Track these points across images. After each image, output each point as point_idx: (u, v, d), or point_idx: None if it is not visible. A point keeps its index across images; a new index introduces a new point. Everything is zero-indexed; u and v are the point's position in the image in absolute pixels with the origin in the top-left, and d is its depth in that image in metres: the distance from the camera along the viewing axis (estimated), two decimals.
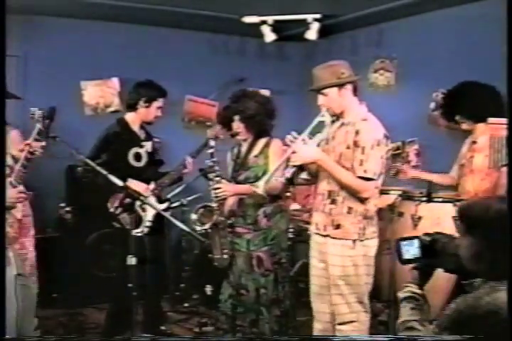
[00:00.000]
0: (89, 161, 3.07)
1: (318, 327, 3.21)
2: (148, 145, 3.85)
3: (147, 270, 3.62)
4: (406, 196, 3.70)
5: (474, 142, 3.76)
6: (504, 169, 3.41)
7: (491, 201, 1.87)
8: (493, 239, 1.77)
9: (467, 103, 3.72)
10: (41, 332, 3.34)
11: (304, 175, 3.92)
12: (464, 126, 3.81)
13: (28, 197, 3.12)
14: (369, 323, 3.10)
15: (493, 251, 1.76)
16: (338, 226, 2.99)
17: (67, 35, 4.92)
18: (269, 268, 3.42)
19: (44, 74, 4.59)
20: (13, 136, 3.19)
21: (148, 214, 3.60)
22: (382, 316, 3.92)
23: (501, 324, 1.64)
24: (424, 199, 3.52)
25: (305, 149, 2.92)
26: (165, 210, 3.65)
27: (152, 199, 3.67)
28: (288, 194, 4.21)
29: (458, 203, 3.52)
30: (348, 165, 2.95)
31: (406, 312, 1.97)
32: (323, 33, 5.06)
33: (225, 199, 3.45)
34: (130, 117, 3.81)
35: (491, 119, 3.52)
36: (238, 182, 3.53)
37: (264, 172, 3.40)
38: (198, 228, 3.44)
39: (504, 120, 3.32)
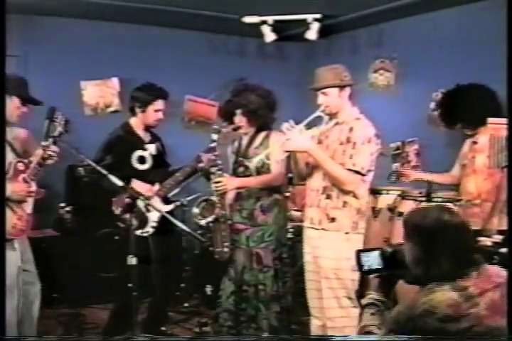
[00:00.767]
0: (91, 162, 3.08)
1: (316, 323, 3.24)
2: (152, 148, 3.83)
3: (154, 270, 3.63)
4: (405, 196, 3.70)
5: (475, 142, 3.76)
6: (505, 170, 3.40)
7: (430, 209, 1.99)
8: (430, 245, 1.87)
9: (465, 111, 3.73)
10: (41, 332, 3.35)
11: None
12: (468, 132, 3.82)
13: (40, 193, 3.17)
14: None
15: (429, 257, 1.87)
16: (333, 220, 3.10)
17: (67, 35, 4.92)
18: (269, 265, 3.42)
19: (44, 74, 4.58)
20: (22, 133, 3.20)
21: (153, 215, 3.61)
22: None
23: (437, 323, 1.75)
24: (424, 199, 3.52)
25: (299, 138, 3.02)
26: (170, 211, 3.63)
27: (157, 201, 3.66)
28: (287, 194, 4.22)
29: (458, 203, 3.53)
30: (340, 160, 3.06)
31: (366, 318, 2.07)
32: (323, 33, 5.06)
33: (225, 193, 3.45)
34: (133, 121, 3.81)
35: (490, 119, 3.52)
36: (238, 175, 3.53)
37: (263, 163, 3.42)
38: (202, 221, 3.44)
39: (504, 120, 3.32)
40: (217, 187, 3.42)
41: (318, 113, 3.13)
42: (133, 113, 3.79)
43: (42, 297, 3.31)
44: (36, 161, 3.07)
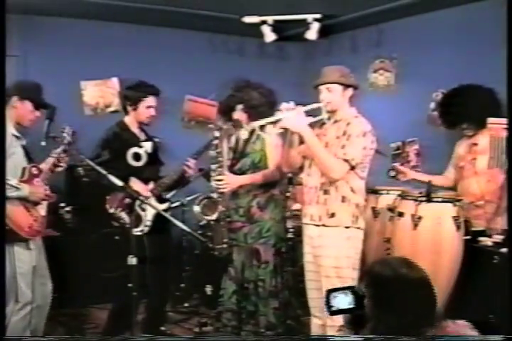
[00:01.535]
0: (90, 162, 3.09)
1: (317, 323, 3.25)
2: (147, 146, 3.85)
3: (149, 270, 3.63)
4: (406, 196, 3.69)
5: (475, 144, 3.76)
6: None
7: (391, 262, 2.00)
8: (383, 298, 1.90)
9: (466, 111, 3.72)
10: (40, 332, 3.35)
11: (303, 175, 3.92)
12: (468, 133, 3.82)
13: (52, 198, 3.24)
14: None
15: (379, 310, 1.89)
16: (332, 215, 3.15)
17: (67, 35, 4.92)
18: (268, 260, 3.42)
19: (44, 74, 4.58)
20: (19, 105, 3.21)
21: (148, 214, 3.61)
22: None
23: None
24: (424, 199, 3.52)
25: (296, 118, 3.06)
26: (165, 210, 3.65)
27: (152, 199, 3.67)
28: (288, 194, 4.22)
29: (458, 203, 3.53)
30: (334, 151, 3.11)
31: None
32: (323, 33, 5.07)
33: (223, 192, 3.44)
34: (127, 119, 3.83)
35: (490, 119, 3.52)
36: (235, 171, 3.53)
37: (261, 158, 3.42)
38: (204, 219, 3.44)
39: (504, 120, 3.31)
40: (218, 184, 3.41)
41: (319, 104, 3.18)
42: (126, 111, 3.81)
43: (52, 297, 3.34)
44: (48, 168, 3.17)
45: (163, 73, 4.88)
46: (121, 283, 3.17)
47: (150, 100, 3.76)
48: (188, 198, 4.66)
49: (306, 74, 5.31)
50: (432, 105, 4.65)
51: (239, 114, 3.49)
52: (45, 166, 3.18)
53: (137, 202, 3.58)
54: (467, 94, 3.81)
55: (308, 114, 3.13)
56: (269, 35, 5.17)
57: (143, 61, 5.05)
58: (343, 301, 2.03)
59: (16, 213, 2.98)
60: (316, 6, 4.79)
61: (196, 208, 3.50)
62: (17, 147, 3.10)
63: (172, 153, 4.15)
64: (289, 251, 3.55)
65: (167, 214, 3.28)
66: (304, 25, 5.03)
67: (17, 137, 3.13)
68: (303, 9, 4.86)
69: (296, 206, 4.47)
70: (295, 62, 5.78)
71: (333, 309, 2.04)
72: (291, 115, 3.06)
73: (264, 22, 5.08)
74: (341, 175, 3.10)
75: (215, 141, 3.44)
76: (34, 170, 3.12)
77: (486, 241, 3.41)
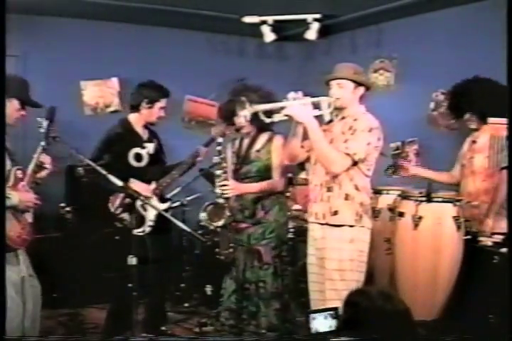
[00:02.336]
0: (90, 162, 3.07)
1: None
2: (150, 147, 3.84)
3: (151, 270, 3.63)
4: (406, 196, 3.69)
5: (474, 142, 3.75)
6: (504, 172, 3.39)
7: (373, 294, 1.94)
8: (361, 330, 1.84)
9: (476, 100, 3.68)
10: (41, 332, 3.34)
11: (303, 175, 3.93)
12: (472, 126, 3.79)
13: (39, 204, 3.10)
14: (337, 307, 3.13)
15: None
16: (336, 213, 3.10)
17: (67, 35, 4.92)
18: (269, 262, 3.42)
19: (44, 74, 4.58)
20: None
21: (150, 214, 3.61)
22: None
23: None
24: (424, 199, 3.52)
25: (301, 108, 3.02)
26: (166, 210, 3.65)
27: (154, 199, 3.67)
28: (288, 194, 4.22)
29: (458, 203, 3.53)
30: (337, 146, 3.07)
31: None
32: (322, 33, 5.07)
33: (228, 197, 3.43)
34: (133, 118, 3.80)
35: (491, 119, 3.51)
36: (239, 176, 3.52)
37: (266, 167, 3.40)
38: (212, 226, 3.42)
39: (504, 120, 3.30)
40: (222, 190, 3.40)
41: (326, 98, 3.12)
42: (136, 109, 3.79)
43: (42, 297, 3.31)
44: (31, 168, 3.02)
45: (163, 73, 4.87)
46: (121, 283, 3.17)
47: (165, 101, 3.80)
48: (188, 198, 4.66)
49: (305, 74, 5.32)
50: (432, 105, 4.65)
51: (241, 119, 3.45)
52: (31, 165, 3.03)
53: (139, 203, 3.57)
54: (477, 84, 3.76)
55: (316, 107, 3.08)
56: (269, 35, 5.17)
57: (143, 61, 5.06)
58: (323, 324, 1.99)
59: (7, 223, 2.85)
60: (316, 6, 4.80)
61: (203, 215, 3.46)
62: None
63: (172, 153, 4.14)
64: (290, 252, 3.52)
65: (167, 214, 3.28)
66: (304, 25, 5.03)
67: None
68: (303, 9, 4.86)
69: (297, 206, 4.48)
70: (295, 62, 5.78)
71: (312, 331, 1.99)
72: (296, 104, 3.02)
73: (263, 22, 5.09)
74: (342, 169, 3.05)
75: (218, 147, 3.43)
76: (19, 174, 2.98)
77: (486, 241, 3.41)
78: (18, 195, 2.94)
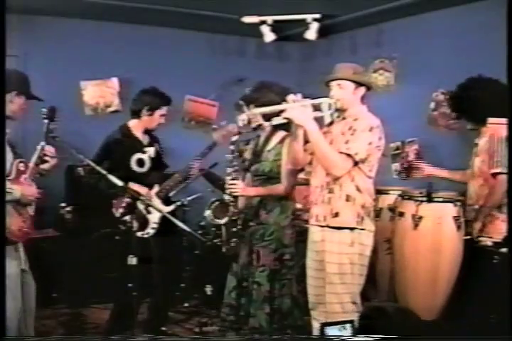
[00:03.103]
0: (90, 162, 3.08)
1: (317, 326, 3.19)
2: (151, 151, 3.84)
3: (155, 271, 3.63)
4: (406, 196, 3.70)
5: (476, 144, 3.74)
6: (500, 176, 3.36)
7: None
8: None
9: (478, 99, 3.63)
10: (41, 332, 3.35)
11: (302, 175, 3.91)
12: (470, 126, 3.78)
13: (43, 197, 3.12)
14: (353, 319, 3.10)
15: None
16: (336, 214, 3.05)
17: (67, 35, 4.92)
18: (265, 264, 3.40)
19: (44, 74, 4.58)
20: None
21: (154, 217, 3.62)
22: None
23: None
24: (425, 199, 3.52)
25: (300, 110, 2.99)
26: (171, 212, 3.63)
27: (157, 202, 3.67)
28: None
29: (458, 203, 3.53)
30: (338, 147, 3.03)
31: None
32: (322, 33, 5.06)
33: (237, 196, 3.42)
34: (133, 123, 3.81)
35: (491, 119, 3.50)
36: (251, 172, 3.50)
37: (272, 169, 3.39)
38: (219, 220, 3.39)
39: (503, 120, 3.28)
40: (231, 188, 3.39)
41: (326, 99, 3.09)
42: (137, 115, 3.78)
43: (42, 297, 3.31)
44: (34, 161, 3.01)
45: (163, 73, 4.89)
46: (121, 283, 3.17)
47: (165, 109, 3.80)
48: (189, 198, 4.66)
49: (305, 74, 5.32)
50: (432, 105, 4.65)
51: (239, 123, 3.41)
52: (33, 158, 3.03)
53: (142, 206, 3.58)
54: (481, 84, 3.72)
55: (316, 109, 3.05)
56: (269, 35, 5.17)
57: (143, 61, 5.05)
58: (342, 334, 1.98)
59: (8, 217, 2.87)
60: (316, 6, 4.79)
61: (208, 212, 3.44)
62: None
63: (172, 153, 4.14)
64: (294, 256, 3.45)
65: (168, 215, 3.28)
66: (304, 25, 5.02)
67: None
68: (302, 9, 4.86)
69: (297, 206, 4.47)
70: (294, 62, 5.78)
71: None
72: (296, 107, 2.99)
73: (263, 22, 5.08)
74: (343, 171, 3.01)
75: (232, 147, 3.42)
76: (21, 167, 2.99)
77: (486, 241, 3.41)
78: (21, 189, 2.95)
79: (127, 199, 3.55)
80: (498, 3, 3.23)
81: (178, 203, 4.52)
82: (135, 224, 3.48)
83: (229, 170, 3.39)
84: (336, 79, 3.12)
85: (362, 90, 3.13)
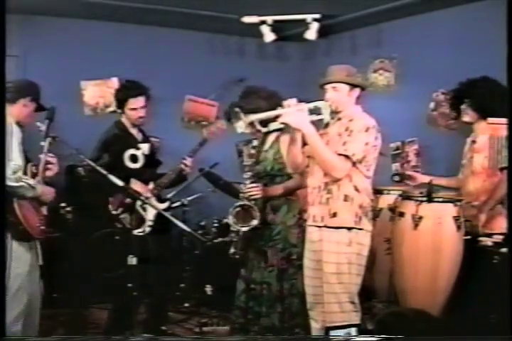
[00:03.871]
0: (90, 162, 3.09)
1: (315, 327, 3.21)
2: (145, 147, 3.85)
3: (151, 270, 3.63)
4: (406, 196, 3.69)
5: (474, 142, 3.75)
6: (504, 172, 3.38)
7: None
8: None
9: (480, 94, 3.65)
10: (41, 332, 3.34)
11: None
12: (466, 118, 3.77)
13: (55, 198, 3.22)
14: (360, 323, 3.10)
15: None
16: (334, 215, 3.06)
17: (67, 35, 4.92)
18: (273, 264, 3.40)
19: (44, 74, 4.58)
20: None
21: (150, 214, 3.61)
22: None
23: None
24: (425, 199, 3.52)
25: (297, 114, 3.01)
26: (165, 210, 3.66)
27: (152, 199, 3.68)
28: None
29: (458, 203, 3.53)
30: (335, 148, 3.04)
31: None
32: (322, 33, 5.06)
33: (256, 199, 3.39)
34: (124, 120, 3.83)
35: (490, 119, 3.51)
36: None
37: (273, 166, 3.39)
38: (243, 228, 3.36)
39: (503, 119, 3.29)
40: (250, 192, 3.37)
41: (321, 102, 3.10)
42: (122, 111, 3.81)
43: (42, 297, 3.32)
44: (41, 167, 3.10)
45: (163, 73, 4.89)
46: (121, 283, 3.17)
47: (133, 102, 3.71)
48: (189, 198, 4.67)
49: (305, 74, 5.32)
50: (432, 105, 4.66)
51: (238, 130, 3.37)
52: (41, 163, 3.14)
53: (138, 203, 3.58)
54: (480, 83, 3.73)
55: (312, 112, 3.07)
56: (269, 35, 5.17)
57: (143, 61, 5.05)
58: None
59: (28, 213, 2.98)
60: (316, 6, 4.79)
61: (231, 219, 3.41)
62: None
63: (172, 153, 4.15)
64: (300, 256, 3.43)
65: (167, 214, 3.28)
66: (304, 25, 5.02)
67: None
68: (302, 9, 4.86)
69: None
70: (295, 62, 5.78)
71: None
72: (292, 111, 3.01)
73: (263, 22, 5.08)
74: (344, 173, 3.02)
75: (252, 151, 3.42)
76: (34, 169, 3.09)
77: (486, 241, 3.41)
78: (41, 187, 3.04)
79: (128, 199, 3.57)
80: (497, 3, 3.23)
81: (178, 203, 4.53)
82: (131, 222, 3.50)
83: (247, 174, 3.40)
84: (330, 82, 3.14)
85: (356, 91, 3.16)
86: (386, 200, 3.91)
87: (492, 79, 3.70)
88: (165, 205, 3.77)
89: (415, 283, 3.51)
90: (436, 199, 3.52)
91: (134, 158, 3.78)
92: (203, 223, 4.93)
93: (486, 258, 3.30)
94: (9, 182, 2.85)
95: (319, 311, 3.14)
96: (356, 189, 3.06)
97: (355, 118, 3.10)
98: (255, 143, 3.59)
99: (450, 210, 3.49)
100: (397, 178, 3.94)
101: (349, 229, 3.04)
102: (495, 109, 3.46)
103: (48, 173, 3.15)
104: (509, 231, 2.95)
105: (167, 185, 3.84)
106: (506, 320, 2.66)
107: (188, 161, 3.76)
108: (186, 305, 4.67)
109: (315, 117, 3.10)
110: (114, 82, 5.17)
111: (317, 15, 4.93)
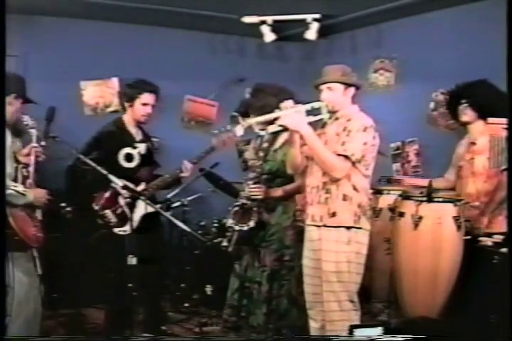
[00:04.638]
0: (90, 162, 3.08)
1: (314, 326, 3.22)
2: (142, 147, 3.82)
3: (144, 269, 3.62)
4: (406, 196, 3.70)
5: (473, 143, 3.74)
6: (505, 174, 3.38)
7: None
8: None
9: (479, 94, 3.67)
10: (41, 332, 3.34)
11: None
12: (464, 118, 3.77)
13: (51, 200, 3.15)
14: (360, 322, 3.11)
15: None
16: (333, 214, 3.07)
17: (67, 35, 4.92)
18: (266, 264, 3.40)
19: (44, 74, 4.59)
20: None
21: (136, 214, 3.59)
22: (382, 316, 3.92)
23: None
24: (425, 199, 3.52)
25: (295, 116, 3.03)
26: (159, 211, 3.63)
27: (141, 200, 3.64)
28: None
29: (458, 203, 3.53)
30: (334, 148, 3.05)
31: None
32: (322, 33, 5.07)
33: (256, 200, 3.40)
34: (126, 117, 3.81)
35: (490, 119, 3.50)
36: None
37: (279, 168, 3.39)
38: (243, 228, 3.36)
39: (503, 120, 3.29)
40: (252, 191, 3.37)
41: (318, 103, 3.11)
42: (124, 109, 3.80)
43: (42, 297, 3.32)
44: (33, 167, 3.04)
45: (163, 73, 4.88)
46: (121, 283, 3.17)
47: (146, 97, 3.72)
48: (189, 198, 4.67)
49: (305, 74, 5.31)
50: (432, 105, 4.66)
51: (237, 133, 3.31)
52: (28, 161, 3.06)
53: (123, 201, 3.55)
54: (478, 83, 3.75)
55: (309, 113, 3.08)
56: (269, 35, 5.18)
57: (143, 61, 5.05)
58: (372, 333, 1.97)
59: (22, 222, 2.90)
60: (316, 6, 4.79)
61: (230, 220, 3.41)
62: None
63: (171, 153, 4.15)
64: (293, 257, 3.44)
65: (167, 214, 3.27)
66: (304, 25, 5.03)
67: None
68: (302, 9, 4.86)
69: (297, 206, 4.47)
70: (295, 62, 5.77)
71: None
72: (289, 113, 3.02)
73: (263, 22, 5.08)
74: (343, 173, 3.03)
75: (261, 153, 3.42)
76: (25, 172, 3.03)
77: (486, 241, 3.41)
78: (32, 192, 2.95)
79: (128, 199, 3.55)
80: (497, 3, 3.23)
81: (178, 203, 4.53)
82: (114, 220, 3.48)
83: (251, 175, 3.40)
84: (326, 83, 3.15)
85: (352, 91, 3.17)
86: (386, 200, 3.92)
87: (489, 82, 3.72)
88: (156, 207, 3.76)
89: (415, 283, 3.51)
90: (436, 200, 3.52)
91: (129, 157, 3.76)
92: (203, 223, 4.92)
93: (486, 258, 3.30)
94: None
95: (318, 310, 3.15)
96: (355, 188, 3.07)
97: (353, 118, 3.11)
98: (265, 144, 3.54)
99: (450, 210, 3.49)
100: (383, 183, 3.97)
101: (348, 228, 3.06)
102: (494, 108, 3.46)
103: (39, 160, 3.07)
104: (509, 231, 2.95)
105: (161, 188, 3.82)
106: (506, 320, 2.66)
107: (189, 167, 3.74)
108: (186, 305, 4.67)
109: (312, 118, 3.11)
110: (114, 82, 5.18)
111: (317, 15, 4.94)
